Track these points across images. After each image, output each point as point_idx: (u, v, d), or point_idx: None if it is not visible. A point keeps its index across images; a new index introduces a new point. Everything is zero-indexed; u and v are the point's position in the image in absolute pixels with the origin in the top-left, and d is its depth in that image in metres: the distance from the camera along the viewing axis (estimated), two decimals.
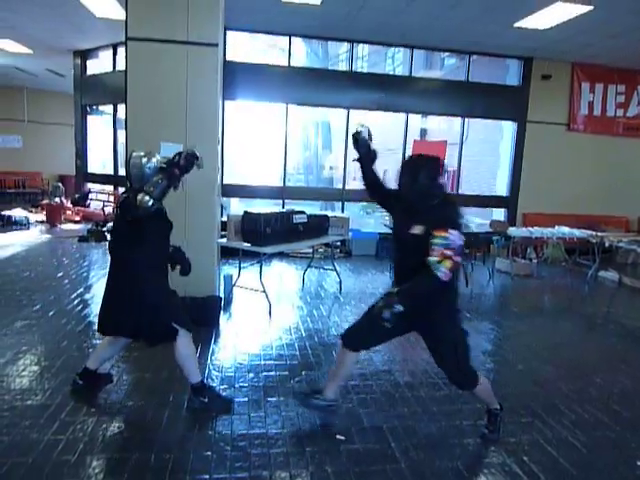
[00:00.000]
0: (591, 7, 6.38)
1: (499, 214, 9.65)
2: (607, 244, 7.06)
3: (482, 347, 4.56)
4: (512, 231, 7.50)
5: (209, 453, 2.69)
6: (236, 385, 3.52)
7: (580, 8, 6.44)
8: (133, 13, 4.77)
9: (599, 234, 7.31)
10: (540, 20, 7.05)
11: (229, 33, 8.33)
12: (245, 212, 5.02)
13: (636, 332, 5.31)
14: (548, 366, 4.17)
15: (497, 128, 10.16)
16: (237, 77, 8.36)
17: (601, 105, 9.70)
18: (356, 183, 15.86)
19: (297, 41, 9.25)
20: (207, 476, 2.50)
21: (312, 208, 8.47)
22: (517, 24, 7.26)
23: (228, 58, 8.32)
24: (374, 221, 10.55)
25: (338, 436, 2.91)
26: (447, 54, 11.52)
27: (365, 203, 11.17)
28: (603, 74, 9.58)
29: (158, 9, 4.78)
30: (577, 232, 7.49)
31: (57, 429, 2.81)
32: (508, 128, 9.70)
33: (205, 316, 4.63)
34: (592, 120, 9.65)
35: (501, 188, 9.80)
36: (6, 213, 10.02)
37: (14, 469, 2.45)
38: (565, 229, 7.61)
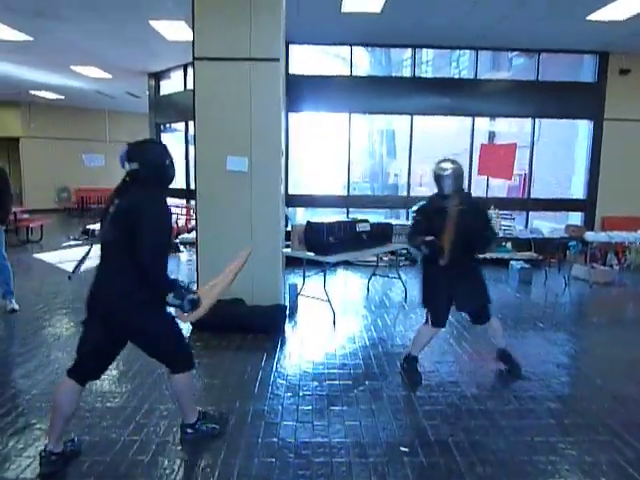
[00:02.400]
0: None
1: (575, 218, 9.14)
2: None
3: (557, 360, 4.32)
4: (589, 236, 7.08)
5: (273, 460, 2.74)
6: (300, 393, 3.57)
7: None
8: (199, 34, 5.02)
9: None
10: (616, 11, 6.65)
11: (292, 47, 8.54)
12: (308, 222, 5.10)
13: None
14: (629, 382, 3.89)
15: (571, 128, 9.66)
16: (301, 89, 8.55)
17: None
18: (422, 189, 15.66)
19: (360, 50, 9.32)
20: None
21: (377, 216, 8.47)
22: (590, 17, 6.89)
23: (292, 71, 8.54)
24: None
25: (402, 448, 2.87)
26: (515, 54, 11.15)
27: None
28: None
29: (222, 28, 4.99)
30: None
31: (132, 430, 2.98)
32: (583, 127, 9.19)
33: (271, 324, 4.75)
34: None
35: (577, 191, 9.28)
36: (90, 227, 10.77)
37: (94, 466, 2.63)
38: None
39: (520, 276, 7.07)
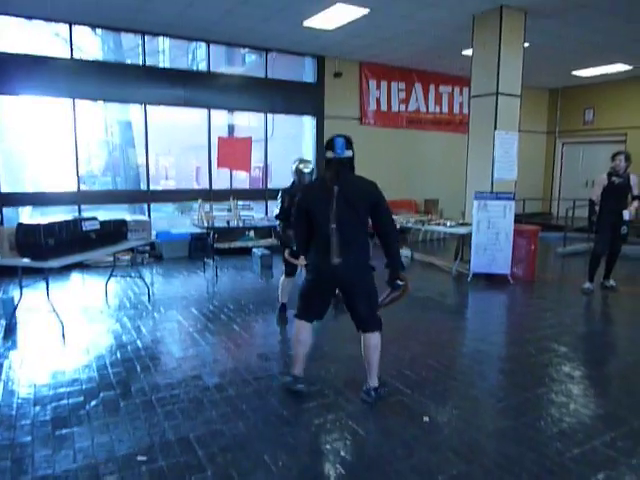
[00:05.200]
0: (367, 10, 6.97)
1: None
2: (398, 225, 7.89)
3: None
4: None
5: None
6: (17, 424, 3.04)
7: (357, 11, 6.99)
8: None
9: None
10: (326, 21, 7.49)
11: None
12: (19, 224, 4.37)
13: (424, 302, 6.01)
14: (350, 343, 4.40)
15: (298, 123, 10.60)
16: (10, 70, 7.32)
17: (387, 101, 10.79)
18: (170, 183, 15.12)
19: (85, 31, 8.42)
20: None
21: (119, 213, 7.86)
22: (306, 23, 7.60)
23: None
24: (189, 221, 10.22)
25: (139, 457, 2.69)
26: (247, 50, 11.66)
27: (178, 203, 10.78)
28: (386, 72, 10.66)
29: None
30: None
31: None
32: (308, 123, 10.20)
33: None
34: (380, 115, 10.68)
35: None
36: None
37: None
38: None
39: (262, 262, 7.48)
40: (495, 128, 7.15)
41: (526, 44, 7.39)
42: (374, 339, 3.34)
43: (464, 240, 7.30)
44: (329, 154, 3.21)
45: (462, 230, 7.19)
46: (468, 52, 7.96)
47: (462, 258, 7.31)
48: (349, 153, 3.22)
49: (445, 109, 11.62)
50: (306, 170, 4.89)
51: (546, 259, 8.77)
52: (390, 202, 9.83)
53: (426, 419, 3.13)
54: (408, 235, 9.31)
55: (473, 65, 7.48)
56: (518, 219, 7.07)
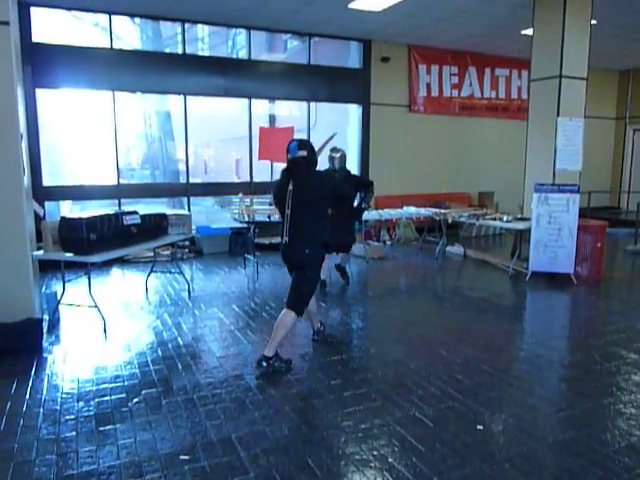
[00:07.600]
0: None
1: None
2: (450, 220, 7.79)
3: (337, 336, 4.72)
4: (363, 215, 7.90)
5: None
6: (62, 419, 3.22)
7: None
8: None
9: (442, 211, 8.03)
10: (373, 2, 7.46)
11: (34, 10, 7.56)
12: (62, 217, 4.59)
13: (478, 303, 5.92)
14: (399, 346, 4.47)
15: (343, 111, 10.60)
16: (52, 62, 7.68)
17: (438, 86, 10.65)
18: (208, 175, 15.39)
19: (124, 21, 8.71)
20: None
21: (158, 207, 8.13)
22: (351, 5, 7.59)
23: (39, 40, 7.59)
24: (230, 215, 10.39)
25: (182, 456, 2.80)
26: (289, 36, 11.75)
27: (218, 198, 11.01)
28: (437, 56, 10.51)
29: None
30: (423, 211, 8.16)
31: None
32: (353, 111, 10.19)
33: (21, 344, 4.17)
34: (430, 101, 10.55)
35: (352, 171, 10.24)
36: None
37: None
38: (412, 209, 8.24)
39: None
40: (558, 114, 6.94)
41: (593, 21, 7.11)
42: (286, 315, 3.89)
43: (522, 236, 7.13)
44: (288, 156, 3.89)
45: (520, 225, 7.02)
46: (528, 32, 7.75)
47: (520, 256, 7.14)
48: (302, 153, 3.81)
49: (502, 94, 11.35)
50: (335, 155, 6.05)
51: (614, 257, 8.45)
52: (441, 195, 9.82)
53: (480, 427, 3.10)
54: (460, 231, 9.17)
55: (533, 46, 7.28)
56: (583, 213, 6.84)
